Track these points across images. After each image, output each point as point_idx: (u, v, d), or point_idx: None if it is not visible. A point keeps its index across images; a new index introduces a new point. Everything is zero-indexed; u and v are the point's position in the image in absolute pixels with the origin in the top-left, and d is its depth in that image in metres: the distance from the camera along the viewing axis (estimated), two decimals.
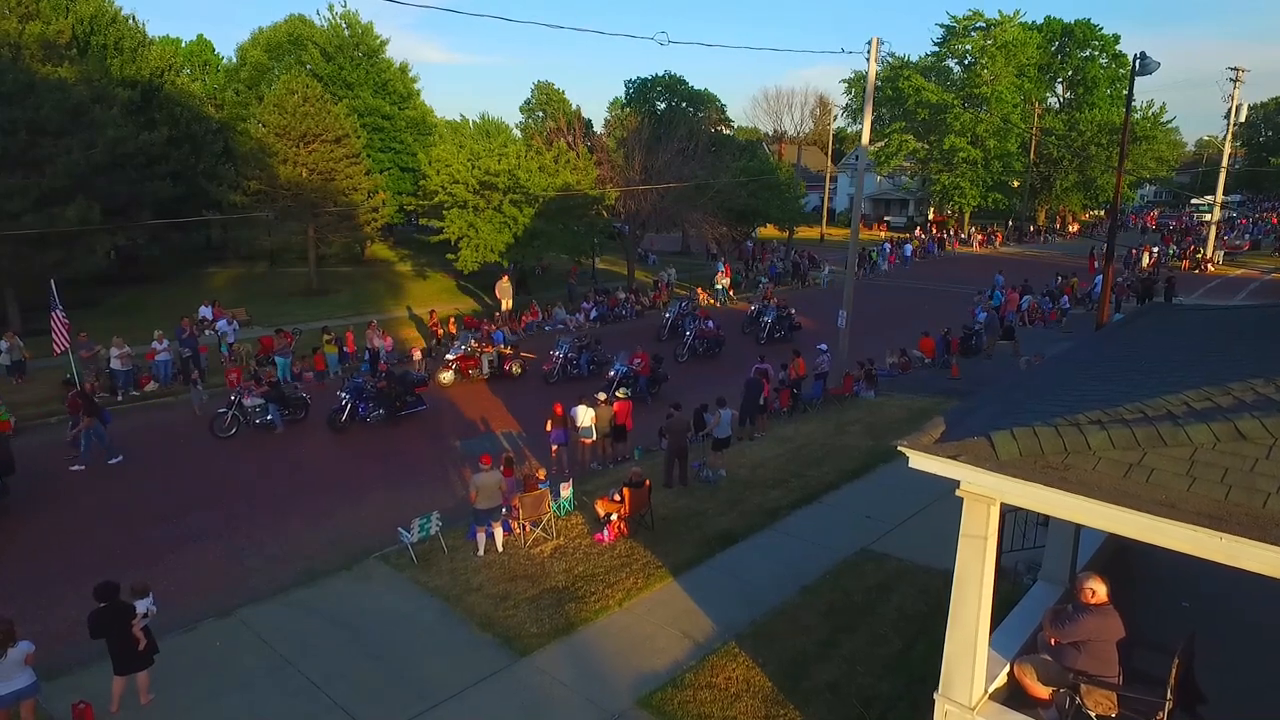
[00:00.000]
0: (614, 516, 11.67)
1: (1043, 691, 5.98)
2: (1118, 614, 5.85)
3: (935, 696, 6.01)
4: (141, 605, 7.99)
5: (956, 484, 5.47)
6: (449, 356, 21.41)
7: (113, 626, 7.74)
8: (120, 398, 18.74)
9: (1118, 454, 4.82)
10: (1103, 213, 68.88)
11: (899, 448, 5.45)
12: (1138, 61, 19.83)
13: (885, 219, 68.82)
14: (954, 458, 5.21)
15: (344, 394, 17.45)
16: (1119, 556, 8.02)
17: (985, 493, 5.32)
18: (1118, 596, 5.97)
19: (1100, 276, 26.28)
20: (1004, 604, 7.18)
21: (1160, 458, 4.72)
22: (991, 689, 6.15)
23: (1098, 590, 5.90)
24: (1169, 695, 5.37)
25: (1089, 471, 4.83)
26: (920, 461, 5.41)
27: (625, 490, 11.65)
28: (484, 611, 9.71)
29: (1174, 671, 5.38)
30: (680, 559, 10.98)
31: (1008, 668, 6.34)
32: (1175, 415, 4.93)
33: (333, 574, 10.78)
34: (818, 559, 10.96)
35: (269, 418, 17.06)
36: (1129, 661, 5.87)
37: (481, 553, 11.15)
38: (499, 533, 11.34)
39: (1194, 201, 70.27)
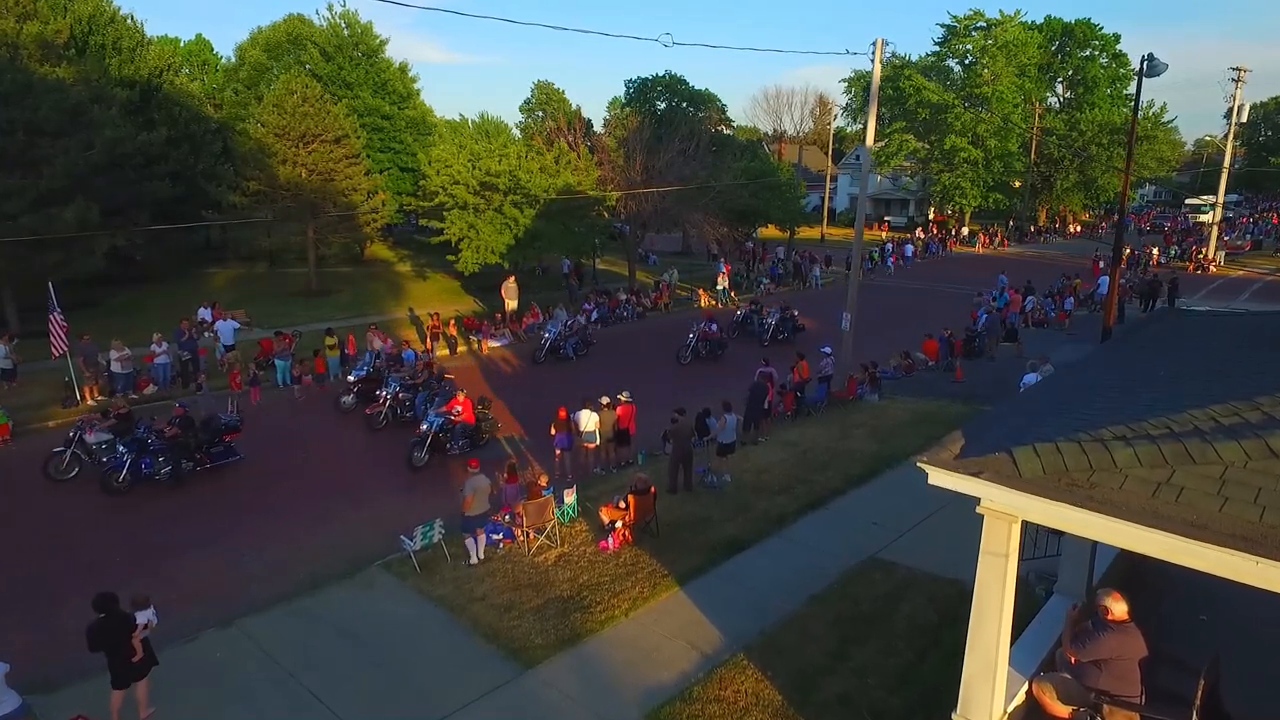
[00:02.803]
0: (619, 524, 11.54)
1: (1063, 711, 5.86)
2: (1139, 631, 5.73)
3: (953, 716, 5.88)
4: (142, 617, 7.85)
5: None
6: (350, 379, 19.16)
7: (112, 639, 7.58)
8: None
9: (1145, 472, 4.69)
10: (1104, 212, 68.79)
11: (918, 464, 5.32)
12: (1145, 64, 19.67)
13: (886, 219, 68.62)
14: (975, 475, 5.08)
15: (122, 447, 14.10)
16: (1136, 569, 7.89)
17: (1007, 510, 5.19)
18: (1136, 610, 5.85)
19: (1105, 278, 26.14)
20: (1017, 616, 7.05)
21: (1189, 476, 4.59)
22: (1010, 708, 6.03)
23: (1116, 608, 5.78)
24: (1194, 717, 5.24)
25: (1115, 490, 4.70)
26: (940, 478, 5.27)
27: (630, 497, 11.51)
28: (488, 621, 9.57)
29: (1200, 692, 5.26)
30: (686, 567, 10.83)
31: (1026, 686, 6.22)
32: (1203, 431, 4.80)
33: (336, 581, 10.64)
34: (825, 567, 10.82)
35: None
36: (1151, 680, 5.74)
37: (474, 561, 10.97)
38: (481, 539, 11.18)
39: (1189, 201, 70.09)
